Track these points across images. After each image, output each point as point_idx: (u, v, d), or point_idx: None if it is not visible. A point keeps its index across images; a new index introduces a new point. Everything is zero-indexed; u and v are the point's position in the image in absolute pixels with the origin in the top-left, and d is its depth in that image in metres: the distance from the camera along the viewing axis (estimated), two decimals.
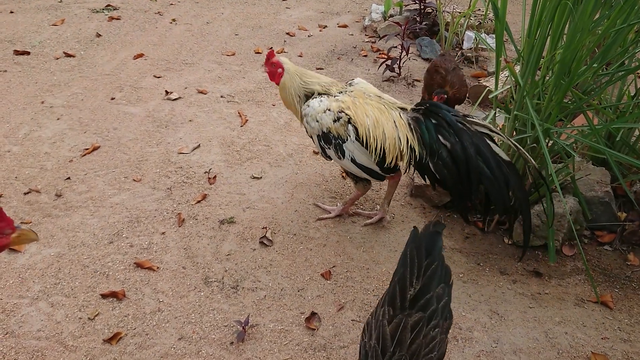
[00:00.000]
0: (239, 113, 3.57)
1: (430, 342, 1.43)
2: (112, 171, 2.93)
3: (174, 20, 5.21)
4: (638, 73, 2.78)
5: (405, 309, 1.44)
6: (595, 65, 2.38)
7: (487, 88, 3.69)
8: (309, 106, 2.36)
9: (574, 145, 2.88)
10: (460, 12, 4.86)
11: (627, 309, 2.23)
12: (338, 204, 2.74)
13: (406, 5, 5.29)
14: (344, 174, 2.92)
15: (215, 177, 2.92)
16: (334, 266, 2.39)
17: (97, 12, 5.29)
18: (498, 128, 2.72)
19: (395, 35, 4.31)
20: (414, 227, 1.58)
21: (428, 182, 2.31)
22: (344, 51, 4.74)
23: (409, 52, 4.37)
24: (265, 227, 2.58)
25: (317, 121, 2.33)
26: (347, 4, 6.11)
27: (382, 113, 2.29)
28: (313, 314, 2.13)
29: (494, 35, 2.75)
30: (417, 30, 4.87)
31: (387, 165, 2.31)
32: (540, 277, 2.38)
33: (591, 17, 2.17)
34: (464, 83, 3.16)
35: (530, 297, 2.27)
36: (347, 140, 2.30)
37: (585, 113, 2.63)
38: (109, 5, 5.45)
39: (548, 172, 2.30)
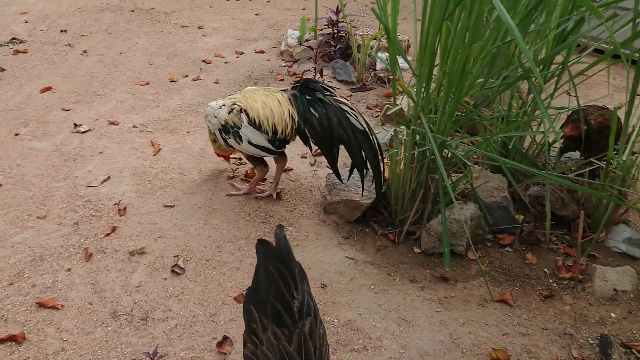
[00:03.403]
0: (151, 142, 3.53)
1: (323, 337, 1.45)
2: (14, 209, 2.80)
3: (85, 51, 5.11)
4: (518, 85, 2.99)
5: (296, 322, 1.45)
6: (481, 79, 2.55)
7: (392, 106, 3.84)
8: (209, 106, 2.86)
9: (472, 155, 3.06)
10: (371, 35, 5.06)
11: (525, 305, 2.37)
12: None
13: (320, 30, 5.45)
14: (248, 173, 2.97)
15: (125, 208, 2.85)
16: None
17: (1, 45, 5.10)
18: (401, 142, 2.83)
19: (308, 59, 4.42)
20: (259, 239, 1.54)
21: (307, 146, 2.90)
22: (261, 76, 4.81)
23: (324, 74, 4.49)
24: (178, 255, 2.55)
25: (216, 117, 2.81)
26: (264, 31, 6.22)
27: (267, 97, 2.81)
28: (225, 338, 2.12)
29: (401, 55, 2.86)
30: (331, 53, 5.02)
31: (279, 138, 2.78)
32: (446, 282, 2.49)
33: (476, 31, 2.32)
34: None
35: (437, 302, 2.37)
36: (241, 126, 2.76)
37: (478, 124, 2.80)
38: (14, 39, 5.27)
39: (445, 183, 2.43)
